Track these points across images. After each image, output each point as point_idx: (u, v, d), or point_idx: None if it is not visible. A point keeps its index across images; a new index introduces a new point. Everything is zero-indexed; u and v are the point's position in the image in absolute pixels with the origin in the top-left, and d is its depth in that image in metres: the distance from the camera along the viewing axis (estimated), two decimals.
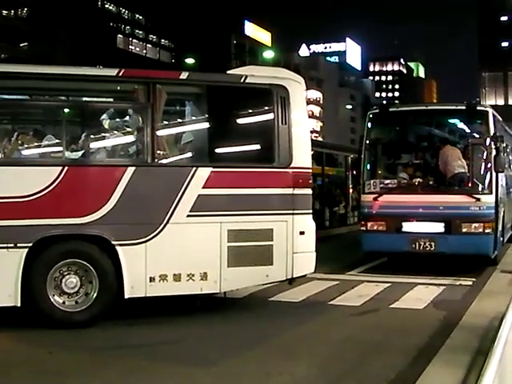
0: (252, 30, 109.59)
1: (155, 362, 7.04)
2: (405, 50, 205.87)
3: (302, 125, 9.75)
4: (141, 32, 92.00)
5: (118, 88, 9.87)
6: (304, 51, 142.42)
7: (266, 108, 9.58)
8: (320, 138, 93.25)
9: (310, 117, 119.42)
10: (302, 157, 9.58)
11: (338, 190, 25.60)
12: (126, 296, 8.58)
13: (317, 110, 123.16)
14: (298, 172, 9.45)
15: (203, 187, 8.96)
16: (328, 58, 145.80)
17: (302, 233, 9.43)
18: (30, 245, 8.16)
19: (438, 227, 13.07)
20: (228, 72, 9.80)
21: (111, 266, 8.52)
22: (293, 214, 9.37)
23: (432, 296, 10.80)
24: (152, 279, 8.64)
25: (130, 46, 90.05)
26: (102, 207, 8.47)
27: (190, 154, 9.76)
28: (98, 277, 8.49)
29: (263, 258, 9.21)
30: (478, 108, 13.84)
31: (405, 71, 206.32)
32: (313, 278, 11.26)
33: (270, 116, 9.45)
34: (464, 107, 13.63)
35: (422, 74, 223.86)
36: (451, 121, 15.07)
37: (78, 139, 9.23)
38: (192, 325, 8.78)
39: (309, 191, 9.69)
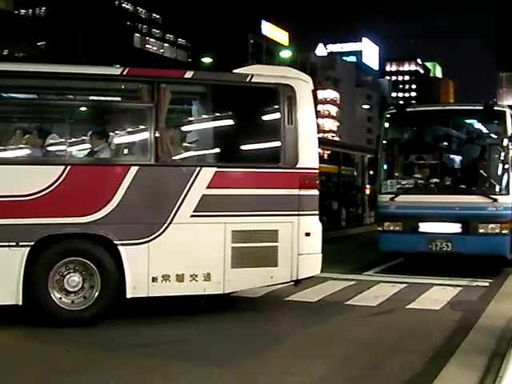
0: (269, 29, 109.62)
1: (171, 361, 7.03)
2: (422, 49, 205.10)
3: (309, 125, 9.55)
4: (158, 31, 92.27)
5: (122, 87, 9.69)
6: (321, 51, 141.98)
7: (272, 108, 9.46)
8: (337, 138, 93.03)
9: (326, 116, 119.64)
10: (309, 157, 9.43)
11: (355, 190, 25.58)
12: (128, 296, 8.53)
13: (334, 109, 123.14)
14: (304, 172, 9.31)
15: (207, 187, 8.86)
16: (345, 58, 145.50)
17: (307, 234, 9.28)
18: (32, 244, 8.14)
19: (455, 227, 13.01)
20: (234, 71, 9.60)
21: (113, 266, 8.47)
22: (298, 215, 9.23)
23: (448, 297, 10.75)
24: (154, 279, 8.57)
25: (147, 45, 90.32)
26: (104, 206, 8.42)
27: (194, 154, 9.72)
28: (100, 276, 8.45)
29: (268, 259, 9.10)
30: (496, 108, 13.73)
31: (422, 71, 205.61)
32: (328, 277, 11.25)
33: (276, 116, 9.33)
34: (481, 107, 13.54)
35: (438, 74, 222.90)
36: (468, 121, 15.00)
37: (82, 138, 9.21)
38: (207, 324, 8.75)
39: (315, 192, 9.50)
